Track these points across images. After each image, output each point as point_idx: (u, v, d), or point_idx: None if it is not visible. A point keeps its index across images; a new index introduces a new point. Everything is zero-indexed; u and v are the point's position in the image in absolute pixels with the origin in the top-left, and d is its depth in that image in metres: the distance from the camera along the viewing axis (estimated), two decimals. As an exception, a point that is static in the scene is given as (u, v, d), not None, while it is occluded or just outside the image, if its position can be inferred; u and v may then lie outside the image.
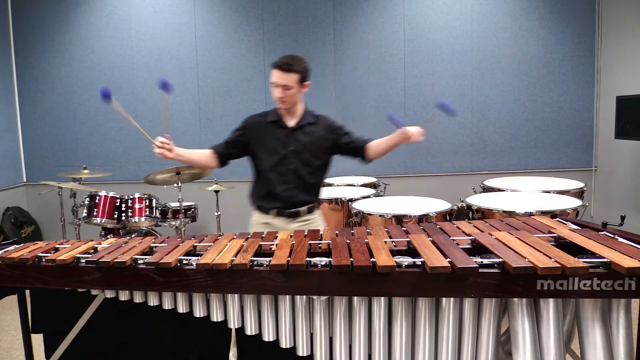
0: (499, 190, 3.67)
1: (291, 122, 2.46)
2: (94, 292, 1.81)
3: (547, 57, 4.76)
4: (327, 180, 3.71)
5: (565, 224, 1.93)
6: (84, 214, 3.96)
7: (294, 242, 1.78)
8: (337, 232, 2.04)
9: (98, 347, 2.14)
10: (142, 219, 3.99)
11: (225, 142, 2.51)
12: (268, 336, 1.64)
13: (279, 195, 2.44)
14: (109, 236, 3.99)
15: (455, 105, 4.78)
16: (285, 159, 2.43)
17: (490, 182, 3.88)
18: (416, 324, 1.52)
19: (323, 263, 1.56)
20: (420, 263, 1.49)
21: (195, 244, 1.85)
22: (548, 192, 3.45)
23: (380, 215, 3.02)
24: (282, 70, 2.31)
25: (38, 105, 5.01)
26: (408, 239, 1.75)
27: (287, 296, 1.59)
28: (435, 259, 1.48)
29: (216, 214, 4.34)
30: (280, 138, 2.44)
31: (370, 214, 3.06)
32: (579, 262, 1.38)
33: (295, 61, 2.33)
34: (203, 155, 2.47)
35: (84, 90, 4.95)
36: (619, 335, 1.44)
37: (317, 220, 2.58)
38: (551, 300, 1.43)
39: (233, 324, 1.67)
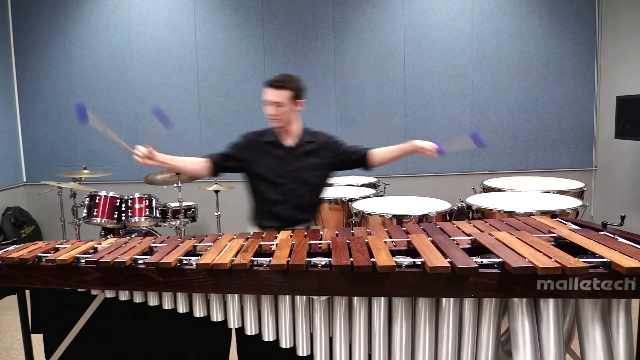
0: (499, 190, 3.67)
1: (289, 142, 2.43)
2: (94, 292, 1.81)
3: (547, 57, 4.76)
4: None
5: (565, 224, 1.93)
6: (84, 214, 3.96)
7: (294, 242, 1.78)
8: (337, 232, 2.04)
9: (98, 347, 2.14)
10: (142, 219, 3.99)
11: (222, 154, 2.46)
12: (268, 336, 1.64)
13: (278, 214, 2.40)
14: (109, 236, 3.99)
15: (455, 105, 4.85)
16: (284, 178, 2.39)
17: (490, 182, 3.88)
18: (416, 324, 1.52)
19: (323, 263, 1.56)
20: (420, 263, 1.49)
21: (195, 244, 1.85)
22: (548, 192, 3.45)
23: (380, 215, 3.02)
24: (273, 88, 2.29)
25: (38, 105, 5.01)
26: (408, 239, 1.75)
27: (287, 296, 1.59)
28: (435, 259, 1.48)
29: (216, 214, 4.34)
30: (278, 158, 2.41)
31: (370, 214, 3.06)
32: (579, 262, 1.38)
33: (288, 78, 2.32)
34: (193, 163, 2.43)
35: (84, 90, 4.94)
36: (619, 335, 1.44)
37: None
38: (551, 300, 1.43)
39: (233, 324, 1.67)
